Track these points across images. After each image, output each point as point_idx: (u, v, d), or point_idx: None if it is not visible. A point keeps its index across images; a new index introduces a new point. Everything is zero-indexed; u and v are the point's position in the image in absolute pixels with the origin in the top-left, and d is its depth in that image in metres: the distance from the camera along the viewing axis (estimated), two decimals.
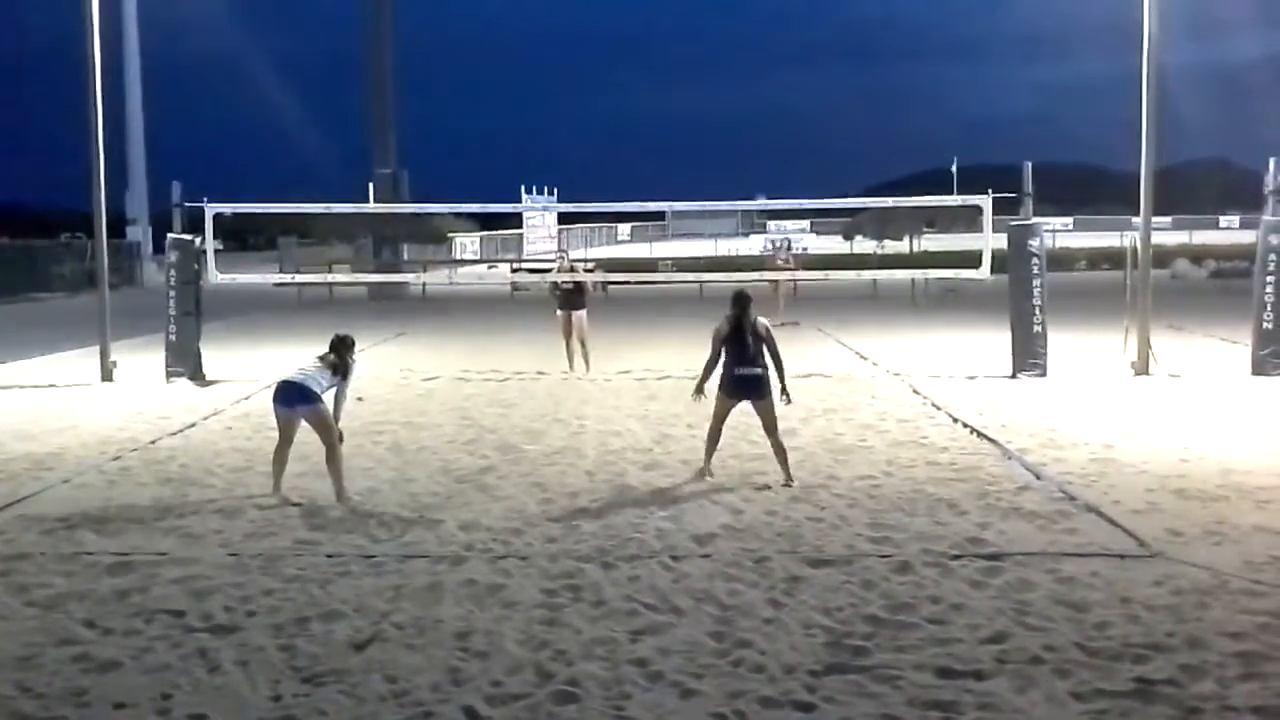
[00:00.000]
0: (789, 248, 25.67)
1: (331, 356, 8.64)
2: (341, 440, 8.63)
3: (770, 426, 8.90)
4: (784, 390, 8.88)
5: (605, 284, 30.12)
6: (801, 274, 26.11)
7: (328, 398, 8.51)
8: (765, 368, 8.84)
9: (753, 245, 53.43)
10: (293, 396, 8.40)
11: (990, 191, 15.09)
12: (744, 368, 8.80)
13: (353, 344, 8.88)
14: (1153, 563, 6.72)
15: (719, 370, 8.94)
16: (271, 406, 8.64)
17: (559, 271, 16.75)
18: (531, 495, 8.53)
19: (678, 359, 16.64)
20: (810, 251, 48.65)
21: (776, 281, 23.51)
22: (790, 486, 8.66)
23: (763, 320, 8.95)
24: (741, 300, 8.86)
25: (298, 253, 47.49)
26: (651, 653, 5.42)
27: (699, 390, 9.11)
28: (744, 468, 9.38)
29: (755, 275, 23.78)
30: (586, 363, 15.71)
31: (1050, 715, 4.73)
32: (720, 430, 9.15)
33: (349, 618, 5.95)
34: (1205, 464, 9.23)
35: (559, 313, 15.96)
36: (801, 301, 27.75)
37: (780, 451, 8.91)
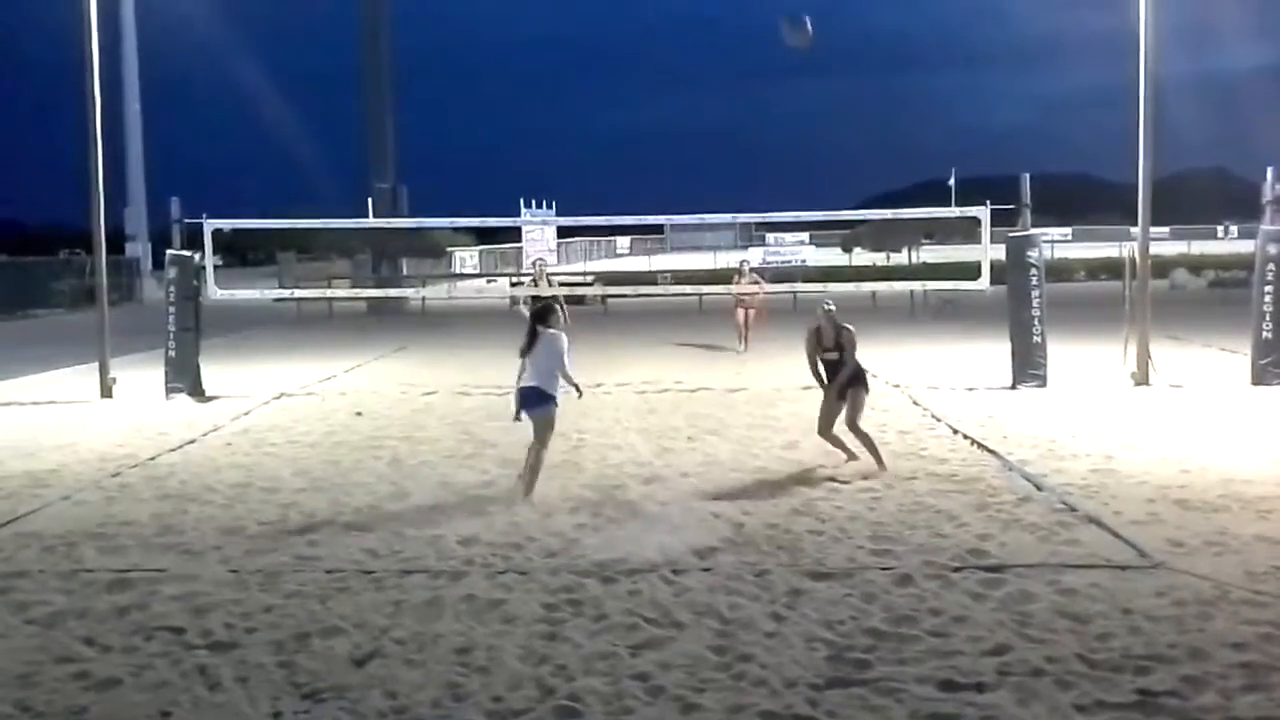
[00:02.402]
0: (749, 269, 21.75)
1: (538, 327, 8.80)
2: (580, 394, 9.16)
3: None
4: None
5: (604, 297, 30.17)
6: (767, 288, 22.04)
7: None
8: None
9: (751, 257, 53.49)
10: (530, 399, 8.76)
11: (988, 203, 15.11)
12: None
13: (548, 310, 9.08)
14: (1154, 573, 6.71)
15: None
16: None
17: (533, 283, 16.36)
18: (531, 509, 8.51)
19: (677, 372, 16.66)
20: (809, 263, 48.72)
21: (744, 309, 20.32)
22: (883, 470, 9.39)
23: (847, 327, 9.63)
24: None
25: (297, 268, 47.63)
26: (652, 667, 5.40)
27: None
28: (744, 480, 9.37)
29: (713, 289, 21.81)
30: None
31: None
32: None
33: (349, 634, 5.93)
34: (1206, 474, 9.22)
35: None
36: (801, 314, 27.70)
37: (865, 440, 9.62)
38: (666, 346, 20.44)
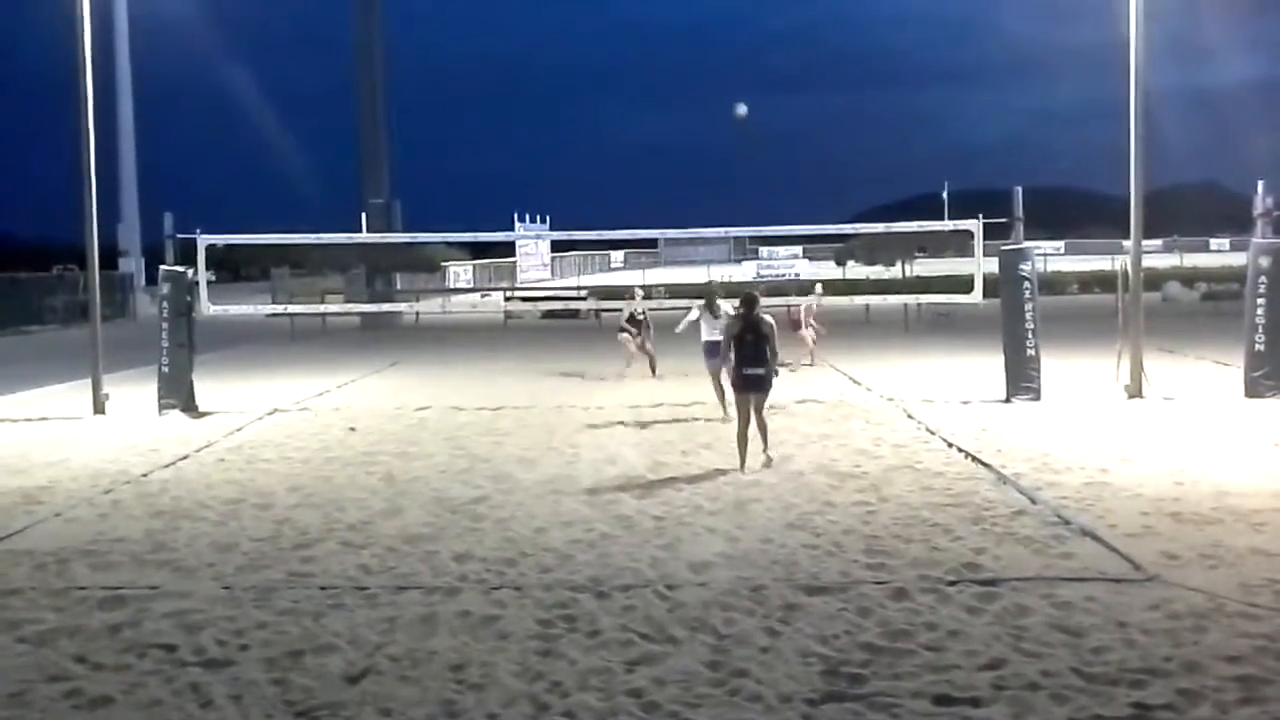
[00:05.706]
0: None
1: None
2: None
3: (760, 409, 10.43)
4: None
5: (598, 311, 30.19)
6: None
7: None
8: (767, 366, 10.20)
9: (745, 271, 53.67)
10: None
11: (981, 216, 15.16)
12: (749, 367, 10.19)
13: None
14: (1149, 586, 6.71)
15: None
16: None
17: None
18: (525, 525, 8.50)
19: (672, 386, 16.66)
20: (802, 277, 48.82)
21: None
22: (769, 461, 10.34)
23: (767, 317, 10.24)
24: (749, 300, 10.28)
25: (290, 283, 47.51)
26: (647, 683, 5.38)
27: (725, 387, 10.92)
28: (739, 495, 9.37)
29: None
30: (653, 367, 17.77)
31: None
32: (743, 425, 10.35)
33: (342, 650, 5.91)
34: (1200, 487, 9.23)
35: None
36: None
37: (763, 430, 10.46)
38: (662, 360, 20.38)
